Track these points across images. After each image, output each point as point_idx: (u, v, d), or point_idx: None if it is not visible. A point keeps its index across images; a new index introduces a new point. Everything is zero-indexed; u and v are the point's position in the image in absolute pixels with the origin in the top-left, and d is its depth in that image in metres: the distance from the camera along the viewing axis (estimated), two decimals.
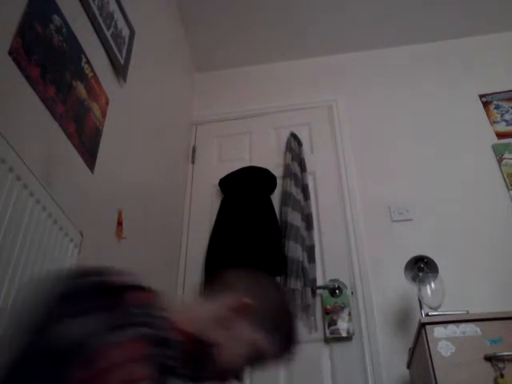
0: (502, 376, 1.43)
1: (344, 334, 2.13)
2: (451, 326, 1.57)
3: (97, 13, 1.69)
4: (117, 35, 1.87)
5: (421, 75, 2.94)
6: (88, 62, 1.59)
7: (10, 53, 1.17)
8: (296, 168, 2.59)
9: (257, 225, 2.39)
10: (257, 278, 1.00)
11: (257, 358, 0.91)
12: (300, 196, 2.51)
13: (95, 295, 0.70)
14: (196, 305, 0.97)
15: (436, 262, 1.98)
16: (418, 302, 1.97)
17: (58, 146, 1.38)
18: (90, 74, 1.61)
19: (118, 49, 1.86)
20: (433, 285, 1.92)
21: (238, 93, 3.09)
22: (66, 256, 1.32)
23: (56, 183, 1.33)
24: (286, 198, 2.49)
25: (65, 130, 1.40)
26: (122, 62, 1.89)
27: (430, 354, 1.53)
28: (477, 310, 1.77)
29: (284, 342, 0.95)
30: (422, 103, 2.82)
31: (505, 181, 2.44)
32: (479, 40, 3.02)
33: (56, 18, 1.40)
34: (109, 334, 0.66)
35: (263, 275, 1.02)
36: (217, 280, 0.98)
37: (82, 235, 1.43)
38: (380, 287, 2.25)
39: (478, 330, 1.54)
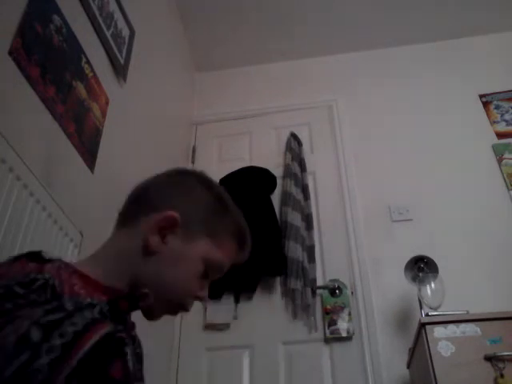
0: (502, 376, 1.43)
1: (344, 334, 2.13)
2: (451, 326, 1.57)
3: (97, 13, 1.69)
4: (117, 35, 1.87)
5: (421, 75, 2.93)
6: (88, 62, 1.59)
7: (10, 53, 1.17)
8: (296, 168, 2.59)
9: (257, 225, 2.38)
10: (172, 179, 0.82)
11: (213, 269, 0.78)
12: (300, 196, 2.51)
13: None
14: (112, 248, 0.78)
15: (436, 262, 1.98)
16: (418, 302, 1.97)
17: (58, 146, 1.38)
18: (90, 74, 1.60)
19: (118, 49, 1.86)
20: (433, 285, 1.92)
21: (238, 93, 3.09)
22: (66, 256, 1.32)
23: (56, 183, 1.33)
24: (286, 198, 2.49)
25: (65, 130, 1.40)
26: (121, 62, 1.89)
27: (430, 354, 1.53)
28: (477, 310, 1.77)
29: (234, 237, 0.80)
30: (422, 103, 2.82)
31: (505, 181, 2.44)
32: (479, 40, 3.02)
33: (56, 17, 1.40)
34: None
35: (182, 173, 0.85)
36: (129, 202, 0.80)
37: (82, 235, 1.43)
38: (380, 287, 2.25)
39: (478, 330, 1.54)
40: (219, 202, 0.81)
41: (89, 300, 0.63)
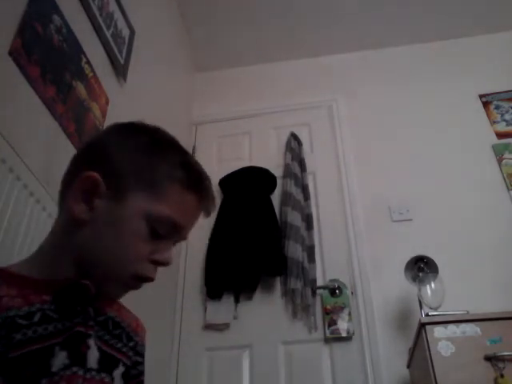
0: (502, 376, 1.43)
1: (344, 334, 2.13)
2: (451, 326, 1.57)
3: (97, 13, 1.69)
4: (117, 35, 1.87)
5: (421, 75, 2.93)
6: (88, 62, 1.59)
7: (10, 53, 1.17)
8: (296, 168, 2.59)
9: (257, 225, 2.39)
10: (98, 135, 0.73)
11: (161, 226, 0.66)
12: (300, 196, 2.50)
13: None
14: (50, 233, 0.71)
15: (436, 262, 1.98)
16: (418, 302, 1.97)
17: (58, 146, 1.38)
18: (90, 74, 1.60)
19: (117, 49, 1.86)
20: (433, 285, 1.92)
21: (238, 93, 3.08)
22: None
23: (56, 183, 1.33)
24: (286, 197, 2.48)
25: (65, 130, 1.40)
26: (121, 61, 1.89)
27: (429, 354, 1.53)
28: (477, 310, 1.77)
29: (181, 183, 0.68)
30: (422, 103, 2.82)
31: (505, 181, 2.44)
32: (479, 40, 3.02)
33: (56, 18, 1.40)
34: None
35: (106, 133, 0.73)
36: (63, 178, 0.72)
37: None
38: (380, 287, 2.25)
39: (478, 330, 1.54)
40: (152, 146, 0.69)
41: (26, 309, 0.59)
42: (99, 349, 0.66)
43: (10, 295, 0.59)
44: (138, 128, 0.72)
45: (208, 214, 0.74)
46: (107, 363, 0.66)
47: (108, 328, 0.70)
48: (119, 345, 0.71)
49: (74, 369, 0.60)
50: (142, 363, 0.78)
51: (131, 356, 0.74)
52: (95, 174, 0.65)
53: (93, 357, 0.63)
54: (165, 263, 0.69)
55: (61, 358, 0.59)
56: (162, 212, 0.66)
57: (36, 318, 0.59)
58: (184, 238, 0.73)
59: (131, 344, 0.75)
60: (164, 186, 0.67)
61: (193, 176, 0.70)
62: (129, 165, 0.67)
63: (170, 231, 0.68)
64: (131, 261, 0.66)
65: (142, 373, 0.78)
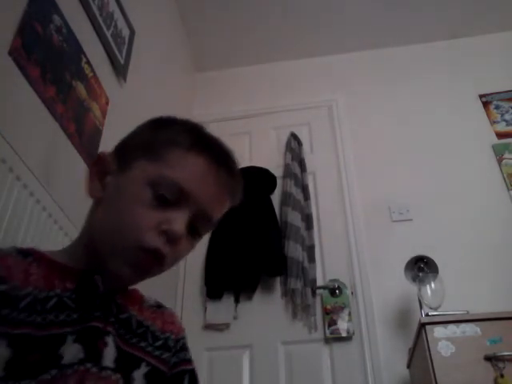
0: (502, 376, 1.43)
1: (344, 334, 2.13)
2: (451, 326, 1.57)
3: (97, 13, 1.69)
4: (117, 35, 1.87)
5: (421, 75, 2.93)
6: (88, 62, 1.59)
7: (10, 53, 1.17)
8: (296, 168, 2.59)
9: (257, 225, 2.39)
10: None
11: (167, 190, 0.64)
12: (300, 196, 2.51)
13: None
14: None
15: (436, 262, 1.99)
16: (417, 302, 1.97)
17: (58, 146, 1.38)
18: (90, 74, 1.60)
19: (117, 49, 1.86)
20: (433, 285, 1.92)
21: (238, 93, 3.08)
22: None
23: (56, 183, 1.33)
24: (286, 197, 2.49)
25: (65, 130, 1.40)
26: (122, 61, 1.89)
27: (429, 354, 1.53)
28: (477, 310, 1.77)
29: (189, 149, 0.66)
30: (422, 103, 2.82)
31: (505, 181, 2.44)
32: (479, 40, 3.02)
33: (56, 17, 1.40)
34: None
35: None
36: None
37: None
38: (380, 287, 2.25)
39: (478, 330, 1.54)
40: (166, 122, 0.72)
41: (45, 293, 0.59)
42: (118, 348, 0.63)
43: (38, 275, 0.60)
44: (163, 117, 0.74)
45: (224, 185, 0.69)
46: (126, 363, 0.63)
47: (131, 327, 0.68)
48: (143, 344, 0.68)
49: (88, 365, 0.57)
50: (179, 351, 0.74)
51: (158, 355, 0.70)
52: (106, 152, 0.69)
53: (109, 355, 0.61)
54: (171, 233, 0.63)
55: (73, 351, 0.57)
56: (162, 174, 0.64)
57: (50, 304, 0.59)
58: (204, 213, 0.68)
59: (158, 343, 0.71)
60: (165, 150, 0.66)
61: (198, 140, 0.68)
62: (139, 140, 0.70)
63: (177, 196, 0.64)
64: (135, 229, 0.62)
65: (183, 361, 0.74)
